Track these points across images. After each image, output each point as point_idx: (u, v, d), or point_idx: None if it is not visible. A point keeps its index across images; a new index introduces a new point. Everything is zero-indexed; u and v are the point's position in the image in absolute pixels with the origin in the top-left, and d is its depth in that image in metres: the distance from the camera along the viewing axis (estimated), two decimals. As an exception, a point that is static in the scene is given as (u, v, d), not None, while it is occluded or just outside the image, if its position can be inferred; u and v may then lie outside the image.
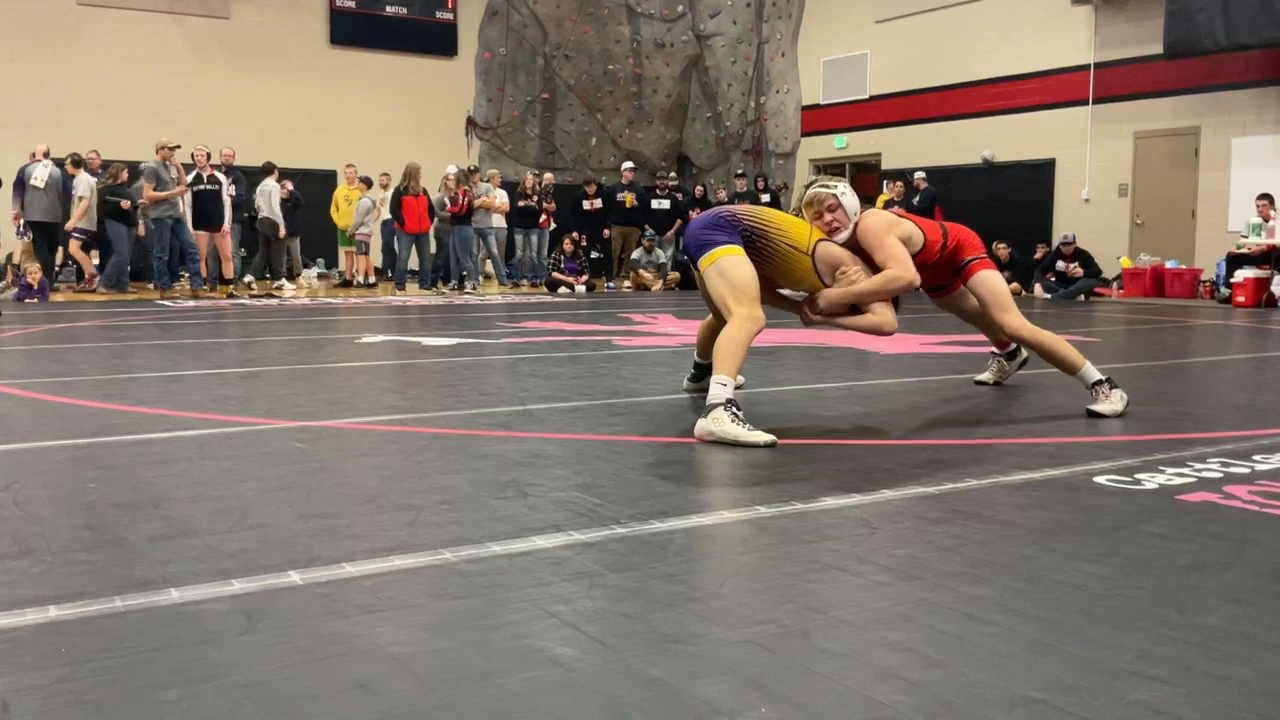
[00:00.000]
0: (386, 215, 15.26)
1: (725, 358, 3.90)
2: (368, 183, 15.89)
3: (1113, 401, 4.38)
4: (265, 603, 2.07)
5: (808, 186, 4.45)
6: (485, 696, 1.66)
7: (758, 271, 4.18)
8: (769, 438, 3.69)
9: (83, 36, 16.71)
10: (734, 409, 3.77)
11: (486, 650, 1.84)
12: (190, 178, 12.98)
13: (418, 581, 2.22)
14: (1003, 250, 15.08)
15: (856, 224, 4.32)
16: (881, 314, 4.24)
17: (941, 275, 4.85)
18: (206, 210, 13.07)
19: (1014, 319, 4.63)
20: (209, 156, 13.19)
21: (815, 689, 1.69)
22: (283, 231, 15.06)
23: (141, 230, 13.72)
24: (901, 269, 4.21)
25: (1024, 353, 5.26)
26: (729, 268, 4.11)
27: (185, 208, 13.07)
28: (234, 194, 13.71)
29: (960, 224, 4.94)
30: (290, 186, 15.35)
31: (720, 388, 3.83)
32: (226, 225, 13.29)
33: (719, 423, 3.73)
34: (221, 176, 13.27)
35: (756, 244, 4.21)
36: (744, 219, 4.25)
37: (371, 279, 15.84)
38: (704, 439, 3.76)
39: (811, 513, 2.79)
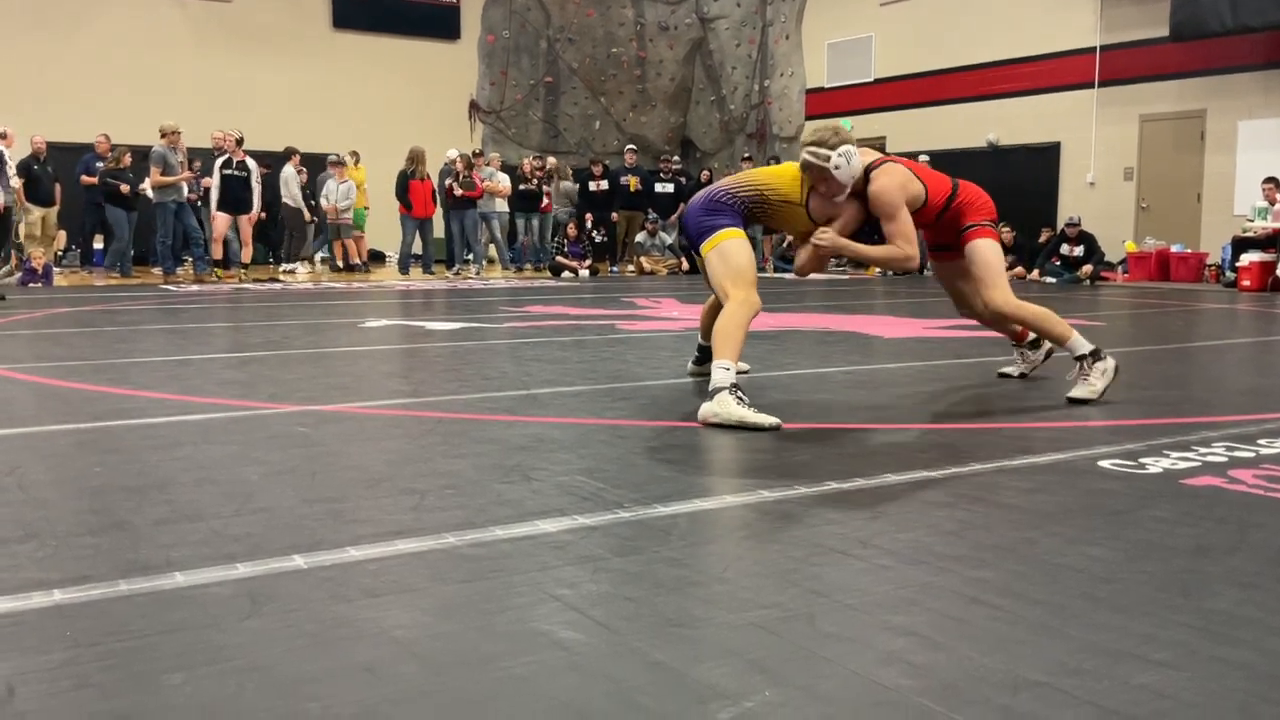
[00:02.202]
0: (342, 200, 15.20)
1: (724, 342, 3.91)
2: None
3: (1092, 382, 4.27)
4: (269, 586, 2.08)
5: (805, 145, 4.20)
6: (489, 680, 1.66)
7: (767, 226, 4.40)
8: (774, 420, 3.69)
9: (84, 20, 16.67)
10: (738, 393, 3.77)
11: (490, 634, 1.84)
12: (220, 161, 12.99)
13: (422, 565, 2.22)
14: (1007, 234, 15.04)
15: (868, 179, 4.23)
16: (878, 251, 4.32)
17: (943, 235, 4.61)
18: (235, 195, 13.07)
19: (999, 295, 4.42)
20: (240, 142, 13.18)
21: (819, 672, 1.69)
22: (308, 216, 15.07)
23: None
24: (905, 250, 4.21)
25: (1047, 343, 4.90)
26: (729, 251, 4.12)
27: (204, 190, 13.08)
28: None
29: (974, 185, 4.62)
30: (303, 178, 15.31)
31: (723, 372, 3.82)
32: (254, 211, 13.35)
33: (724, 405, 3.73)
34: (251, 163, 13.24)
35: (756, 211, 4.30)
36: (739, 192, 4.28)
37: (354, 262, 15.70)
38: (708, 422, 3.76)
39: (815, 497, 2.79)
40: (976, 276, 4.50)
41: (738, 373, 3.92)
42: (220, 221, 13.11)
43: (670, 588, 2.09)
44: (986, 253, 4.46)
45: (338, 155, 15.38)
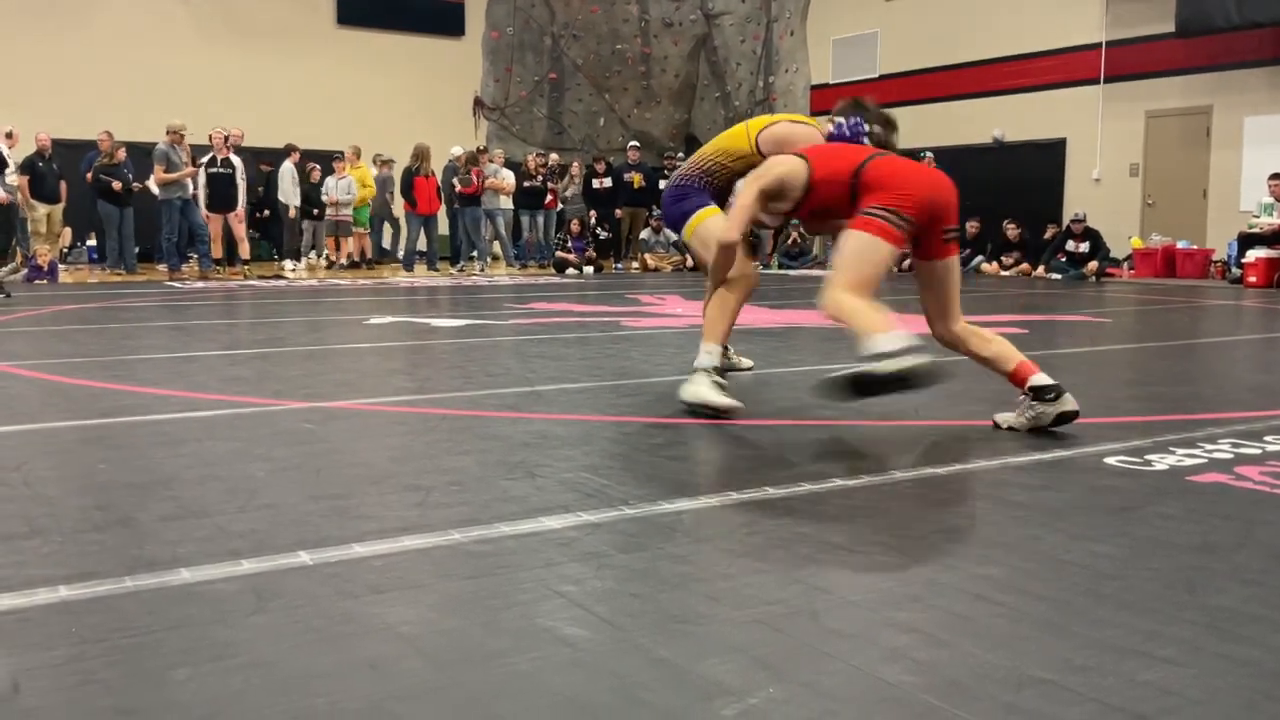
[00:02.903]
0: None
1: (713, 324, 3.98)
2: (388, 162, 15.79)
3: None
4: (275, 583, 2.08)
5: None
6: (494, 676, 1.66)
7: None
8: (732, 403, 3.73)
9: (88, 17, 16.69)
10: (714, 376, 3.80)
11: (495, 630, 1.85)
12: (205, 160, 13.01)
13: (427, 561, 2.22)
14: (1013, 230, 15.02)
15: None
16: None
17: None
18: (221, 192, 13.10)
19: (825, 294, 3.38)
20: (226, 139, 13.20)
21: (823, 669, 1.69)
22: (292, 212, 15.09)
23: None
24: (728, 226, 3.75)
25: (1066, 404, 3.57)
26: (708, 232, 4.15)
27: (197, 189, 13.10)
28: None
29: (902, 160, 3.61)
30: (315, 176, 15.29)
31: (705, 355, 3.89)
32: (241, 208, 13.36)
33: (697, 383, 3.81)
34: (236, 160, 13.27)
35: (721, 181, 4.30)
36: (695, 172, 4.33)
37: (355, 259, 15.65)
38: (685, 401, 3.85)
39: (819, 493, 2.79)
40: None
41: (744, 370, 3.93)
42: (215, 223, 13.15)
43: (674, 584, 2.09)
44: (844, 246, 3.42)
45: (372, 153, 15.45)
